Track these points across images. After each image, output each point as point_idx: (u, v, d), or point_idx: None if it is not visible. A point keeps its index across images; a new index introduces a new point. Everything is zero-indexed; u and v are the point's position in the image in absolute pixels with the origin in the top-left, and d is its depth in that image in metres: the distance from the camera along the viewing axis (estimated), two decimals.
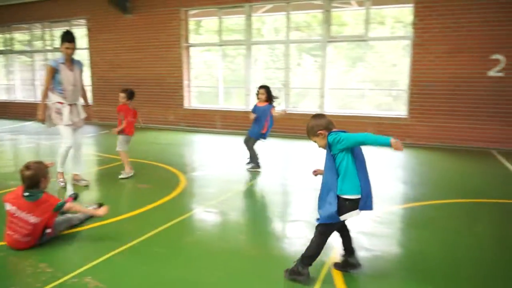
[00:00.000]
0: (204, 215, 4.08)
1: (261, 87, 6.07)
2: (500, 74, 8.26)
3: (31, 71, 14.53)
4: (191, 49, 11.59)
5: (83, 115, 5.21)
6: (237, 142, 9.20)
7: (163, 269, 2.85)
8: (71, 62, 4.97)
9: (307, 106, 10.57)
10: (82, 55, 13.24)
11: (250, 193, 4.97)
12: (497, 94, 8.33)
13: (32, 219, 3.05)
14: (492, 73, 8.33)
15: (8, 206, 3.12)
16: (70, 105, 4.97)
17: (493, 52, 8.26)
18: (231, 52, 11.52)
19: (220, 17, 10.89)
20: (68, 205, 3.22)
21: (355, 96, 10.19)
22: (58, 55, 5.07)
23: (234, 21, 11.15)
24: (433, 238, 3.51)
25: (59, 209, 3.18)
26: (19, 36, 14.94)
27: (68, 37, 4.87)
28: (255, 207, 4.54)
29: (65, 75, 4.87)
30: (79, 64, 5.13)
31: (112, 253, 3.06)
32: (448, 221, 3.95)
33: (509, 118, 8.26)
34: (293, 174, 6.12)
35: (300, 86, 10.99)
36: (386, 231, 3.67)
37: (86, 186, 5.06)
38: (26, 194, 3.10)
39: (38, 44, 14.08)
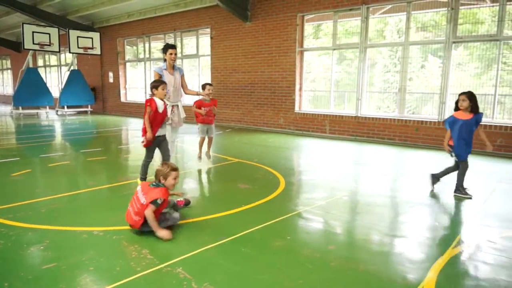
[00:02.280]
0: (298, 220, 4.09)
1: (463, 93, 5.00)
2: None
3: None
4: (309, 53, 11.69)
5: (183, 115, 5.97)
6: (345, 147, 8.98)
7: (247, 270, 2.95)
8: (172, 68, 5.77)
9: (428, 112, 9.73)
10: (206, 60, 14.41)
11: (351, 202, 4.80)
12: None
13: (142, 199, 3.57)
14: None
15: (138, 187, 3.82)
16: (172, 106, 5.74)
17: None
18: (349, 55, 11.24)
19: (336, 21, 10.75)
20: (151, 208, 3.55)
21: (488, 102, 9.01)
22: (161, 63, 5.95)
23: (354, 23, 10.85)
24: None
25: (154, 203, 3.52)
26: (157, 45, 16.93)
27: (171, 45, 5.72)
28: (354, 217, 4.37)
29: (167, 78, 5.64)
30: (180, 70, 5.91)
31: (204, 248, 3.28)
32: None
33: None
34: (404, 186, 5.71)
35: (419, 90, 10.20)
36: (501, 259, 3.19)
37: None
38: (153, 183, 3.74)
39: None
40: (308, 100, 11.95)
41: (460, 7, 8.81)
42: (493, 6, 8.52)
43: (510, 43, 8.55)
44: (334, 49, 11.00)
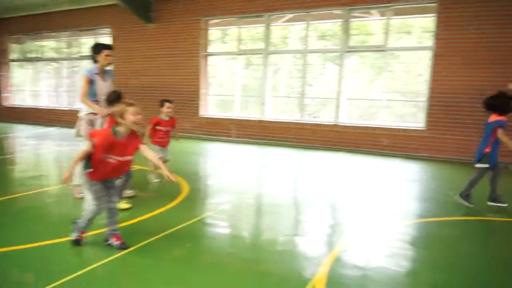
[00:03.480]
0: (200, 226, 4.02)
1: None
2: None
3: (57, 78, 15.02)
4: (216, 58, 11.70)
5: None
6: (250, 151, 9.16)
7: (145, 282, 2.80)
8: (103, 72, 4.88)
9: (326, 116, 10.38)
10: None
11: (255, 205, 4.86)
12: None
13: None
14: None
15: None
16: (103, 117, 4.70)
17: None
18: (256, 60, 11.49)
19: (240, 26, 10.94)
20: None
21: (379, 106, 9.93)
22: (90, 65, 4.88)
23: (258, 30, 11.16)
24: (431, 258, 3.30)
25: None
26: (48, 44, 15.50)
27: (107, 45, 4.84)
28: (256, 219, 4.44)
29: (99, 85, 4.76)
30: (111, 74, 5.02)
31: (97, 264, 3.04)
32: (452, 241, 3.72)
33: None
34: (305, 187, 5.98)
35: (317, 95, 10.83)
36: (385, 249, 3.49)
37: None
38: None
39: (64, 52, 14.56)
40: (216, 104, 11.97)
41: (353, 20, 9.58)
42: (381, 19, 9.43)
43: (395, 53, 9.52)
44: (240, 54, 11.18)
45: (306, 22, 10.08)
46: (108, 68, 4.91)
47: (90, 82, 4.70)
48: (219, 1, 10.91)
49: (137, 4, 11.59)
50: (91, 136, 3.18)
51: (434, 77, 8.65)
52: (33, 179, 5.97)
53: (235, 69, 11.62)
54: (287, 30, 11.22)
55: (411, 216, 4.57)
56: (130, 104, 3.16)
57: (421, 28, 9.55)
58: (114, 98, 4.19)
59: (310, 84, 10.65)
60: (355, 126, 9.54)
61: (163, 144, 5.64)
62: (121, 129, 3.16)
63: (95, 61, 4.81)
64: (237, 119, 11.09)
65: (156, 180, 5.70)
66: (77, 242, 3.36)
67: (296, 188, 5.96)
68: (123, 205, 4.39)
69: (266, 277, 2.89)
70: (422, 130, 8.84)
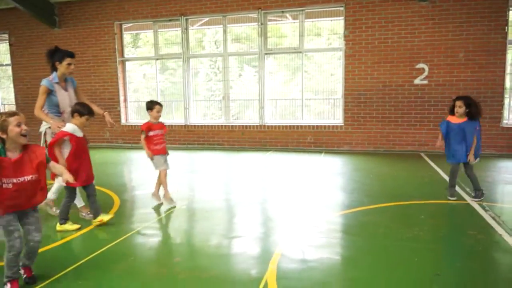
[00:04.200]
0: (138, 238, 3.85)
1: (459, 98, 4.94)
2: (425, 82, 8.82)
3: None
4: (128, 63, 11.21)
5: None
6: (177, 156, 8.96)
7: None
8: (64, 81, 4.46)
9: (249, 117, 10.57)
10: (6, 71, 12.33)
11: (189, 211, 4.78)
12: (423, 100, 8.87)
13: None
14: (417, 81, 8.87)
15: None
16: (53, 132, 4.23)
17: (417, 61, 8.81)
18: (172, 64, 11.28)
19: (156, 31, 10.65)
20: None
21: (297, 105, 10.39)
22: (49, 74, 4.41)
23: (173, 33, 10.96)
24: (366, 244, 3.56)
25: None
26: None
27: (69, 52, 4.39)
28: (194, 225, 4.37)
29: (61, 96, 4.36)
30: (73, 82, 4.59)
31: None
32: (381, 226, 4.05)
33: (435, 122, 8.81)
34: (238, 189, 6.02)
35: (240, 97, 10.99)
36: (323, 240, 3.68)
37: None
38: None
39: None
40: (134, 111, 11.50)
41: (268, 23, 9.89)
42: (294, 22, 9.86)
43: (309, 54, 10.04)
44: (157, 59, 10.89)
45: (222, 26, 10.17)
46: (69, 76, 4.50)
47: (49, 93, 4.28)
48: (131, 5, 10.51)
49: (38, 7, 10.66)
50: None
51: (346, 76, 9.30)
52: None
53: (150, 74, 11.31)
54: (202, 33, 11.20)
55: (341, 206, 4.87)
56: (12, 114, 2.64)
57: (330, 31, 10.20)
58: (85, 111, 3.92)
59: (230, 87, 10.75)
60: (280, 126, 9.87)
61: (163, 152, 4.92)
62: (7, 145, 2.65)
63: (54, 69, 4.37)
64: None
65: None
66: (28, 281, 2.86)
67: (229, 190, 5.99)
68: (104, 217, 4.15)
69: (218, 283, 2.87)
70: (341, 125, 9.45)
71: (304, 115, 10.02)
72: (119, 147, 10.85)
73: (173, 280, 2.92)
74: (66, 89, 4.47)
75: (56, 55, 4.35)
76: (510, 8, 8.24)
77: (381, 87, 9.08)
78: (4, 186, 2.61)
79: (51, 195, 4.46)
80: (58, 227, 4.05)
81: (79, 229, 4.06)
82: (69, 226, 4.06)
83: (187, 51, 10.44)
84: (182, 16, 10.20)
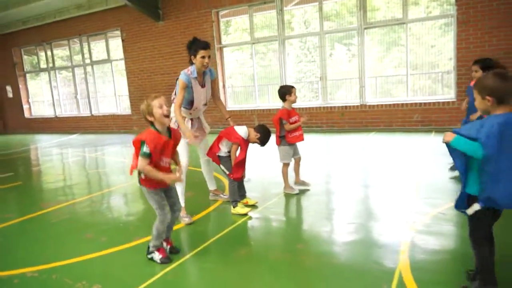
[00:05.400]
0: (253, 223, 3.90)
1: (476, 62, 4.69)
2: None
3: (72, 85, 15.02)
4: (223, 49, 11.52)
5: (208, 128, 4.48)
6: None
7: (216, 284, 2.72)
8: (202, 75, 4.11)
9: (344, 97, 10.17)
10: (119, 65, 13.52)
11: (301, 196, 4.73)
12: None
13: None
14: None
15: None
16: (192, 119, 4.24)
17: None
18: (261, 48, 11.32)
19: (251, 15, 10.71)
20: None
21: (393, 82, 9.72)
22: (188, 68, 4.01)
23: (263, 17, 10.95)
24: (505, 236, 3.15)
25: (142, 155, 2.84)
26: (60, 52, 15.49)
27: (202, 44, 3.91)
28: (308, 210, 4.31)
29: (197, 92, 4.02)
30: (211, 74, 4.22)
31: (161, 274, 2.96)
32: None
33: None
34: (342, 172, 5.83)
35: (336, 77, 10.59)
36: (452, 229, 3.34)
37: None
38: None
39: (77, 59, 14.52)
40: (229, 97, 11.81)
41: None
42: None
43: (405, 26, 9.21)
44: (253, 43, 10.98)
45: (318, 3, 9.80)
46: (207, 69, 4.11)
47: (186, 88, 3.93)
48: None
49: (145, 2, 11.42)
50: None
51: (458, 45, 8.36)
52: (67, 188, 5.95)
53: (242, 60, 11.49)
54: (290, 14, 10.95)
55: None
56: (154, 98, 2.86)
57: None
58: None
59: (319, 67, 10.43)
60: (383, 105, 9.31)
61: (302, 138, 4.78)
62: (157, 126, 2.88)
63: (191, 63, 4.03)
64: (259, 109, 10.94)
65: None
66: (164, 260, 3.06)
67: (335, 174, 5.81)
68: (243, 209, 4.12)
69: (346, 271, 2.77)
70: (453, 101, 8.57)
71: (403, 93, 9.31)
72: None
73: (298, 267, 2.89)
74: (203, 85, 4.10)
75: (191, 48, 3.96)
76: None
77: (503, 55, 7.98)
78: (162, 164, 2.92)
79: (182, 203, 4.11)
80: (232, 210, 4.12)
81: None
82: (240, 209, 4.08)
83: (282, 32, 10.32)
84: None
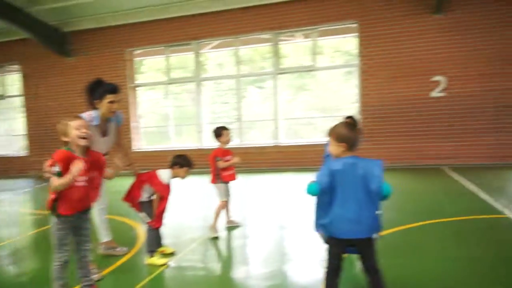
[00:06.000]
0: (175, 271, 3.62)
1: (349, 117, 5.19)
2: (442, 94, 8.68)
3: None
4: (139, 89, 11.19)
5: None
6: (198, 182, 8.76)
7: None
8: (106, 122, 3.61)
9: (257, 138, 10.45)
10: (14, 102, 12.34)
11: (220, 240, 4.55)
12: (441, 113, 8.71)
13: None
14: (434, 93, 8.72)
15: None
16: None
17: (433, 74, 8.69)
18: (175, 89, 11.23)
19: (168, 55, 10.64)
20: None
21: (302, 124, 10.31)
22: (88, 112, 3.53)
23: (177, 58, 11.01)
24: (423, 266, 3.32)
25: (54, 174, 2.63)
26: None
27: (111, 87, 3.51)
28: (224, 254, 4.14)
29: (96, 142, 3.39)
30: (118, 121, 3.78)
31: None
32: (432, 245, 3.81)
33: (453, 134, 8.64)
34: (257, 212, 5.80)
35: (251, 119, 10.81)
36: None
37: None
38: None
39: None
40: (145, 137, 11.38)
41: (280, 43, 9.85)
42: (306, 41, 9.85)
43: (311, 73, 9.95)
44: (169, 83, 10.85)
45: (235, 48, 10.14)
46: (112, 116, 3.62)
47: None
48: (143, 31, 10.54)
49: (51, 37, 10.73)
50: None
51: (362, 92, 9.17)
52: None
53: (154, 99, 11.35)
54: (204, 57, 11.16)
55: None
56: (73, 119, 2.79)
57: (333, 48, 10.17)
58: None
59: (234, 108, 10.67)
60: (296, 145, 9.71)
61: (232, 178, 4.83)
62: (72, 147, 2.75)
63: (94, 108, 3.53)
64: (173, 150, 10.64)
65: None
66: None
67: (256, 215, 5.76)
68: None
69: None
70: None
71: (311, 134, 9.90)
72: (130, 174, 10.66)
73: None
74: (105, 134, 3.66)
75: (96, 91, 3.52)
76: None
77: (398, 102, 8.94)
78: (76, 184, 2.68)
79: (103, 237, 3.91)
80: (148, 260, 3.77)
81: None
82: (157, 260, 3.74)
83: (199, 74, 10.40)
84: (194, 40, 10.20)
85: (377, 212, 2.37)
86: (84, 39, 11.03)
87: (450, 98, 8.63)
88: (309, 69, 9.71)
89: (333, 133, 2.47)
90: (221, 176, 4.63)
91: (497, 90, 8.37)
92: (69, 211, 2.70)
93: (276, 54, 9.74)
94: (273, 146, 9.86)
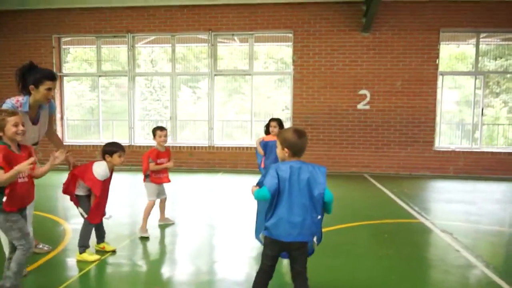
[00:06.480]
0: (104, 269, 3.54)
1: (274, 119, 5.15)
2: (367, 107, 9.40)
3: None
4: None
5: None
6: (120, 179, 8.49)
7: None
8: (37, 109, 3.40)
9: (190, 138, 10.44)
10: None
11: (154, 236, 4.51)
12: (365, 125, 9.43)
13: None
14: (360, 106, 9.42)
15: None
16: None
17: (360, 88, 9.38)
18: (104, 82, 10.76)
19: (99, 46, 10.18)
20: None
21: (235, 126, 10.50)
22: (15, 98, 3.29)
23: (111, 51, 10.58)
24: (348, 265, 3.63)
25: None
26: None
27: (48, 73, 3.30)
28: (155, 252, 4.13)
29: (28, 130, 3.09)
30: (51, 107, 3.58)
31: None
32: (355, 246, 4.16)
33: (376, 144, 9.40)
34: (188, 211, 5.83)
35: (184, 118, 10.71)
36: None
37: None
38: None
39: None
40: (66, 130, 10.75)
41: (218, 44, 9.94)
42: (242, 45, 10.04)
43: (246, 77, 10.22)
44: (100, 76, 10.39)
45: (171, 45, 10.02)
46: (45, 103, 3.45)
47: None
48: (72, 18, 9.98)
49: None
50: None
51: (294, 100, 9.60)
52: None
53: (80, 91, 10.90)
54: (137, 51, 10.89)
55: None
56: (11, 114, 2.71)
57: (267, 55, 10.54)
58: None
59: (165, 107, 10.55)
60: (230, 147, 9.84)
61: (165, 180, 4.75)
62: (5, 141, 2.71)
63: (27, 94, 3.29)
64: (100, 144, 10.19)
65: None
66: None
67: (187, 214, 5.77)
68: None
69: None
70: None
71: (243, 136, 10.15)
72: (62, 169, 10.00)
73: None
74: (36, 121, 3.44)
75: (31, 76, 3.26)
76: (441, 43, 9.18)
77: (327, 111, 9.50)
78: (19, 181, 2.69)
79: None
80: (78, 256, 3.63)
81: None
82: (88, 256, 3.63)
83: (133, 69, 10.10)
84: (129, 33, 9.89)
85: (318, 217, 2.45)
86: (7, 21, 10.13)
87: (372, 111, 9.38)
88: (245, 73, 9.93)
89: (280, 136, 2.52)
90: (150, 178, 4.55)
91: (411, 107, 9.27)
92: (16, 207, 2.69)
93: (213, 55, 9.82)
94: (206, 146, 9.90)
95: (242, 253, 3.97)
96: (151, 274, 3.50)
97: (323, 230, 3.67)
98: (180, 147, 9.93)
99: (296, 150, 2.46)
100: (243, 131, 10.26)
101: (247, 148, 9.72)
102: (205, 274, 3.45)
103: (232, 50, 10.63)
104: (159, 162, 4.56)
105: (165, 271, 3.58)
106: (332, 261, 3.73)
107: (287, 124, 9.98)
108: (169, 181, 4.73)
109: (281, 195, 2.39)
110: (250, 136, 10.05)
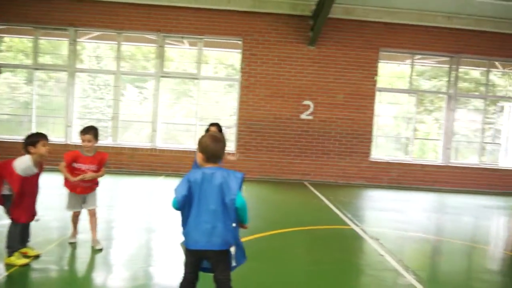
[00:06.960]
0: (28, 274, 3.33)
1: (213, 124, 5.13)
2: (310, 117, 9.72)
3: None
4: None
5: None
6: (54, 180, 8.06)
7: None
8: None
9: (132, 139, 10.15)
10: None
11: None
12: (307, 134, 9.74)
13: None
14: (304, 116, 9.72)
15: None
16: None
17: (304, 98, 9.69)
18: (41, 75, 10.18)
19: (38, 38, 9.62)
20: None
21: (180, 130, 10.39)
22: None
23: (51, 43, 10.06)
24: (275, 270, 3.72)
25: None
26: None
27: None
28: (85, 256, 3.97)
29: None
30: None
31: None
32: (285, 252, 4.28)
33: (316, 153, 9.73)
34: (125, 215, 5.68)
35: (128, 118, 10.44)
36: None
37: None
38: None
39: None
40: None
41: (166, 46, 9.80)
42: (191, 49, 9.99)
43: (195, 81, 10.21)
44: (36, 69, 9.80)
45: (117, 42, 9.73)
46: None
47: None
48: (10, 6, 9.37)
49: None
50: None
51: (240, 106, 9.70)
52: None
53: (13, 84, 10.22)
54: (81, 46, 10.49)
55: (241, 232, 4.97)
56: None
57: (217, 60, 10.61)
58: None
59: (108, 106, 10.22)
60: (173, 150, 9.69)
61: (83, 191, 4.01)
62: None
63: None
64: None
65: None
66: None
67: (124, 218, 5.61)
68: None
69: None
70: (233, 153, 9.70)
71: (188, 140, 10.08)
72: None
73: None
74: None
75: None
76: (379, 61, 9.75)
77: (272, 119, 9.70)
78: None
79: None
80: (6, 259, 3.40)
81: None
82: (17, 259, 3.42)
83: (74, 64, 9.66)
84: (71, 27, 9.46)
85: (233, 224, 2.37)
86: None
87: (315, 121, 9.71)
88: (193, 77, 9.88)
89: (198, 142, 2.49)
90: (64, 182, 3.94)
91: (351, 119, 9.74)
92: None
93: (161, 57, 9.66)
94: (148, 149, 9.68)
95: (178, 258, 3.92)
96: (79, 279, 3.36)
97: (256, 236, 3.72)
98: (121, 148, 9.61)
99: (210, 156, 2.41)
100: (188, 135, 10.17)
101: (191, 152, 9.62)
102: (139, 279, 3.37)
103: (183, 53, 10.55)
104: (77, 166, 3.88)
105: (96, 276, 3.46)
106: (258, 265, 3.79)
107: (231, 130, 10.07)
108: (84, 193, 3.98)
109: (192, 202, 2.34)
110: (195, 140, 9.97)
